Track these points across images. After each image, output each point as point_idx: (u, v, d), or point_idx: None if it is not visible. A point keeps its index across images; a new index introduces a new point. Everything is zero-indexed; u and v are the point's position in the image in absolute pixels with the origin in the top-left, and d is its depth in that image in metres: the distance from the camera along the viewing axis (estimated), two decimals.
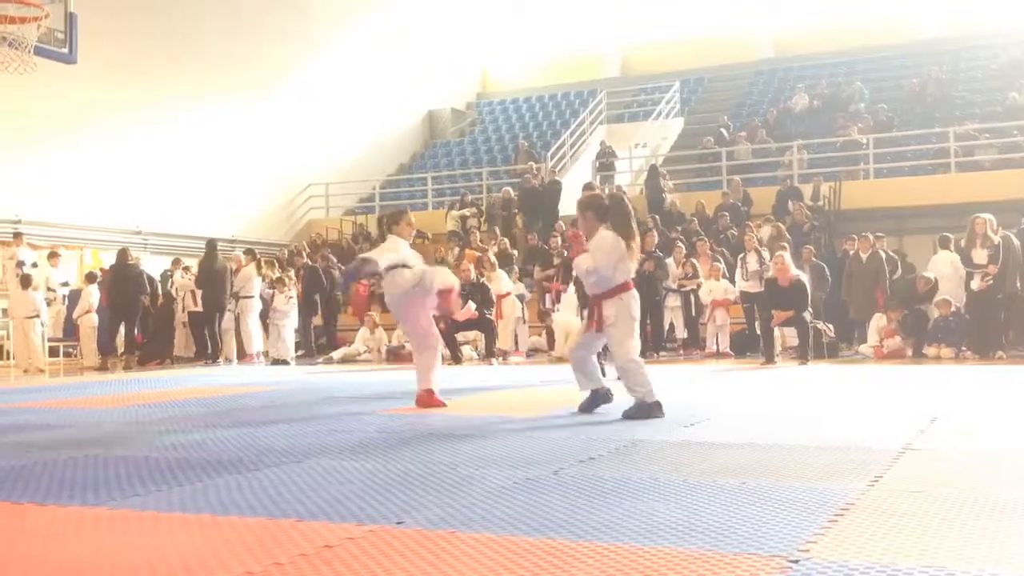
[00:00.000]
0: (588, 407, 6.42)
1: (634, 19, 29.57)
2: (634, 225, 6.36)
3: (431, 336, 6.99)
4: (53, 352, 15.78)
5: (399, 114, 27.60)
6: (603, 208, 6.33)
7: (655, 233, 15.35)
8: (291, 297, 15.55)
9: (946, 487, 3.61)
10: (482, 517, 3.22)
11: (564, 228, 17.03)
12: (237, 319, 15.60)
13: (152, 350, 16.09)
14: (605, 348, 6.76)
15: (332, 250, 20.50)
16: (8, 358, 14.84)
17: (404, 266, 6.88)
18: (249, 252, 16.44)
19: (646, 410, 6.04)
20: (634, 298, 6.25)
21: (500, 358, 14.14)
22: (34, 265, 16.00)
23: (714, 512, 3.22)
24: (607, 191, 20.57)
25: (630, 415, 6.02)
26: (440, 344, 7.23)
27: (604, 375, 6.66)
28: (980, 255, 12.37)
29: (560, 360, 13.51)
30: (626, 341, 6.16)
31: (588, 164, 23.72)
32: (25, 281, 14.80)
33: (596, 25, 29.77)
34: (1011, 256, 12.33)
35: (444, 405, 6.83)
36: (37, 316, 14.86)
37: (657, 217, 17.80)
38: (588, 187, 10.41)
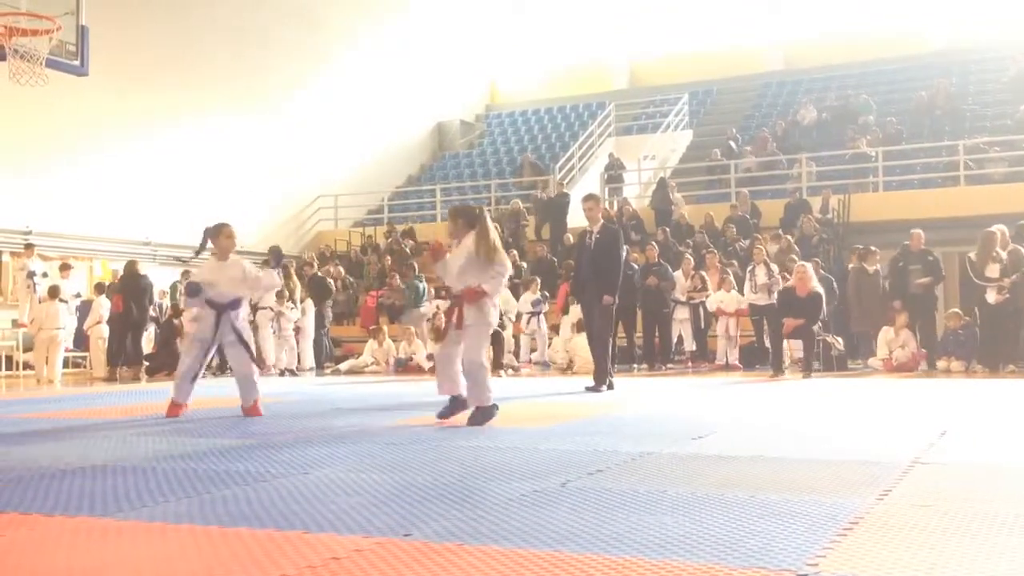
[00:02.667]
0: (447, 413, 6.71)
1: (643, 31, 29.61)
2: (491, 235, 6.72)
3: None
4: (63, 363, 15.81)
5: (408, 126, 27.68)
6: (472, 216, 6.79)
7: (655, 246, 15.37)
8: (293, 307, 15.58)
9: (956, 501, 3.59)
10: (489, 529, 3.22)
11: (572, 240, 17.08)
12: (255, 330, 15.63)
13: (160, 361, 16.11)
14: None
15: (340, 261, 20.56)
16: (17, 369, 14.86)
17: None
18: (265, 263, 16.48)
19: (487, 413, 6.49)
20: (493, 308, 6.69)
21: (509, 370, 14.14)
22: (44, 275, 16.05)
23: (723, 525, 3.21)
24: (614, 203, 20.66)
25: (475, 421, 6.44)
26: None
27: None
28: (993, 269, 12.35)
29: (571, 373, 13.51)
30: (472, 345, 6.56)
31: (596, 176, 23.75)
32: (53, 292, 14.75)
33: (605, 37, 29.83)
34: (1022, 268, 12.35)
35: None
36: (64, 328, 14.80)
37: (667, 229, 17.81)
38: (588, 198, 10.46)
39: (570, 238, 17.67)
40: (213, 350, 7.78)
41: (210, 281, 7.49)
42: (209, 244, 7.73)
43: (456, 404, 6.72)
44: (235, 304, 7.58)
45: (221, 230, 7.73)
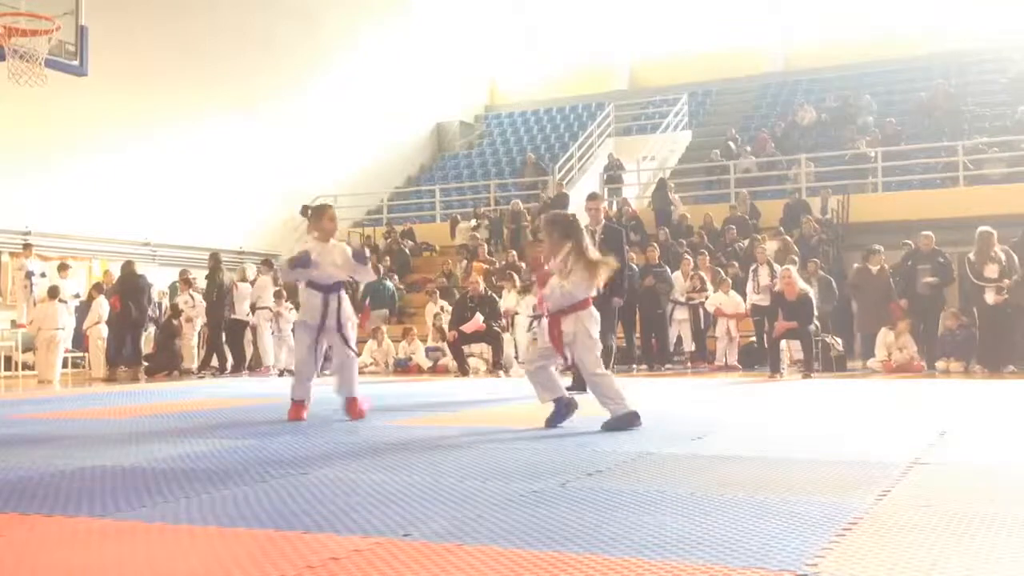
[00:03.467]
0: (554, 420, 6.28)
1: (642, 32, 29.63)
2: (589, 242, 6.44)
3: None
4: (63, 363, 15.81)
5: (407, 126, 27.68)
6: (569, 226, 6.35)
7: (656, 247, 15.37)
8: (292, 308, 15.58)
9: (955, 502, 3.59)
10: (489, 529, 3.22)
11: None
12: (253, 331, 15.65)
13: (160, 361, 16.13)
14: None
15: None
16: (16, 369, 14.87)
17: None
18: (266, 263, 16.49)
19: (625, 420, 6.06)
20: (591, 315, 6.30)
21: (507, 370, 14.14)
22: (42, 275, 16.05)
23: (722, 525, 3.21)
24: (614, 203, 20.67)
25: (610, 426, 6.05)
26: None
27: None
28: (992, 269, 12.36)
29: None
30: (588, 355, 6.22)
31: (596, 177, 23.76)
32: (52, 292, 14.77)
33: (604, 38, 29.83)
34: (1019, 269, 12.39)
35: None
36: (63, 328, 14.83)
37: (667, 230, 17.82)
38: (593, 197, 10.41)
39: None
40: (324, 339, 7.10)
41: (314, 262, 6.96)
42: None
43: (560, 407, 6.33)
44: (338, 287, 7.10)
45: (325, 211, 7.27)
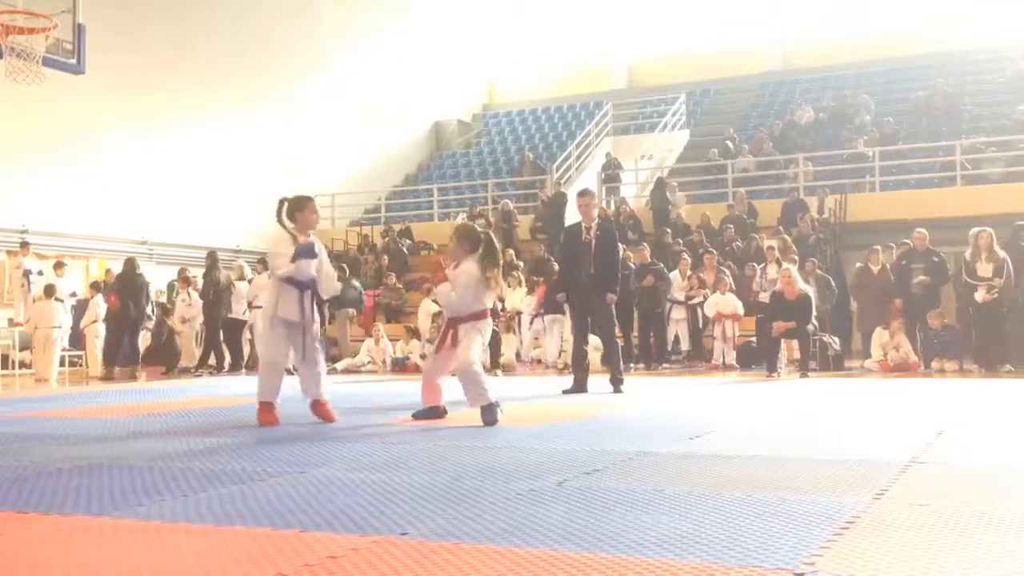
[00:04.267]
0: (423, 415, 6.80)
1: (640, 31, 29.63)
2: (498, 260, 6.83)
3: None
4: (60, 361, 15.79)
5: (405, 125, 27.67)
6: (476, 240, 6.79)
7: (646, 246, 15.36)
8: None
9: (952, 501, 3.60)
10: (486, 528, 3.22)
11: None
12: (251, 329, 15.64)
13: (157, 360, 16.11)
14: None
15: (337, 260, 20.54)
16: (13, 367, 14.85)
17: None
18: (263, 262, 16.47)
19: (492, 412, 6.52)
20: (488, 325, 6.89)
21: (504, 369, 14.13)
22: (40, 273, 16.03)
23: (719, 524, 3.21)
24: (612, 202, 20.67)
25: (487, 421, 6.47)
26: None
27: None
28: (985, 268, 12.37)
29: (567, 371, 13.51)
30: (468, 352, 6.65)
31: (594, 176, 23.76)
32: (48, 291, 14.77)
33: (602, 37, 29.84)
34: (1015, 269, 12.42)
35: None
36: (60, 327, 14.82)
37: (669, 230, 17.82)
38: (585, 193, 10.37)
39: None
40: (299, 337, 6.81)
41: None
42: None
43: (433, 412, 6.84)
44: (313, 285, 6.85)
45: (307, 204, 6.94)
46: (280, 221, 6.90)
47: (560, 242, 10.79)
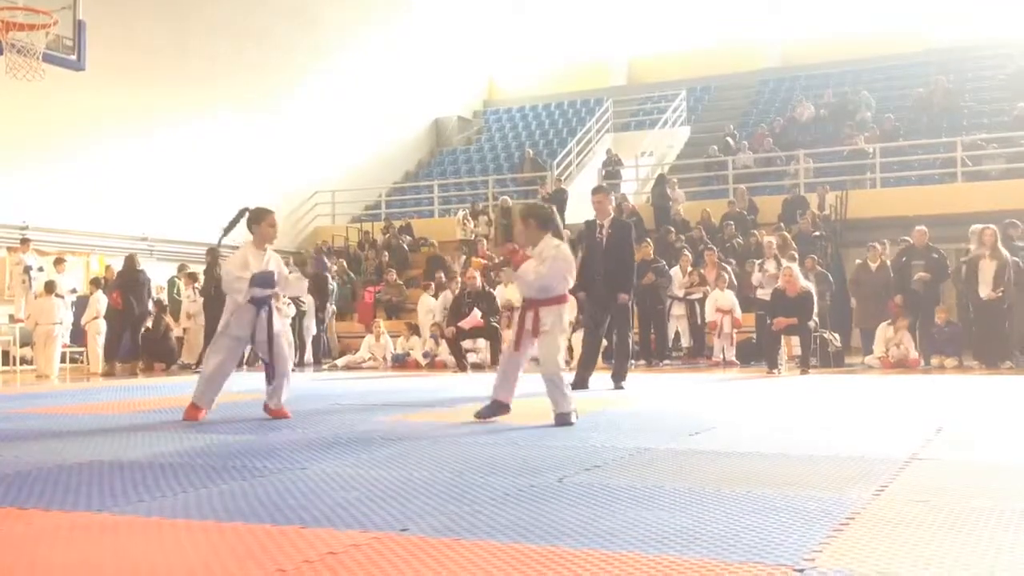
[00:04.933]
0: (486, 414, 6.38)
1: (641, 28, 29.60)
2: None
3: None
4: (61, 358, 15.79)
5: (405, 122, 27.64)
6: (548, 217, 6.46)
7: (650, 243, 15.33)
8: (290, 303, 15.54)
9: (952, 497, 3.60)
10: (486, 524, 3.22)
11: (571, 235, 17.05)
12: None
13: (158, 356, 16.10)
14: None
15: (338, 257, 20.53)
16: (14, 363, 14.85)
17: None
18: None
19: (567, 419, 6.17)
20: (569, 308, 6.45)
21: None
22: (40, 270, 16.03)
23: (719, 521, 3.21)
24: (612, 199, 20.63)
25: (560, 424, 6.12)
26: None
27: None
28: (989, 266, 12.38)
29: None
30: (557, 353, 6.27)
31: (594, 172, 23.74)
32: (49, 287, 14.76)
33: (603, 34, 29.80)
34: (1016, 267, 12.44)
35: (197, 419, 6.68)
36: (60, 323, 14.82)
37: (672, 228, 17.80)
38: (598, 190, 10.29)
39: (568, 233, 17.66)
40: (247, 348, 6.94)
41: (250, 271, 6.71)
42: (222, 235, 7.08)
43: (498, 408, 6.44)
44: (269, 300, 6.89)
45: (265, 216, 6.82)
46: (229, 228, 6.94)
47: (575, 239, 10.68)
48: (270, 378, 6.89)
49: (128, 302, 14.92)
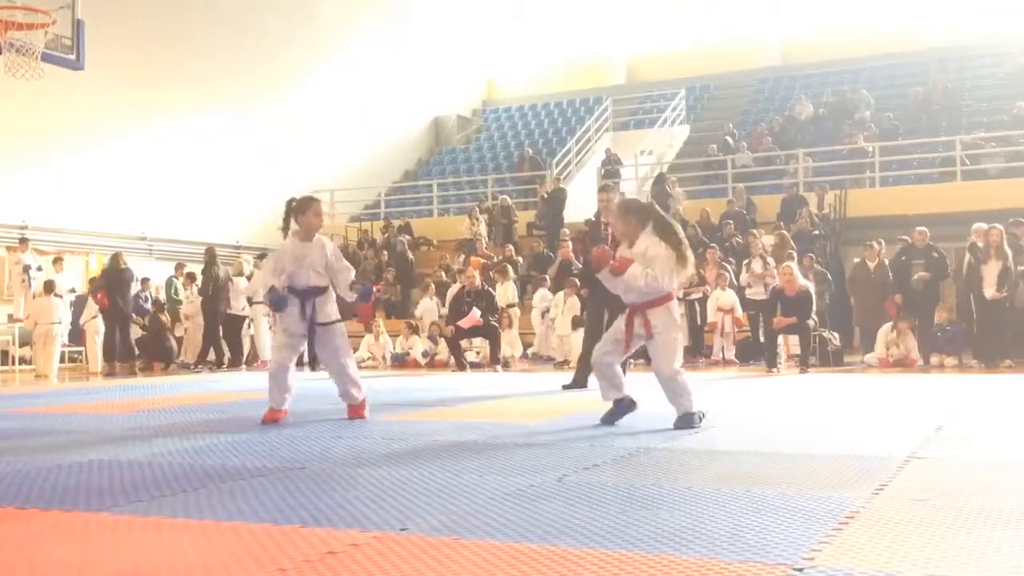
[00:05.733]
0: (611, 418, 6.15)
1: (640, 27, 29.59)
2: (677, 232, 5.97)
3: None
4: (60, 358, 15.78)
5: (404, 121, 27.64)
6: (646, 212, 6.01)
7: None
8: None
9: (951, 496, 3.60)
10: (485, 523, 3.22)
11: (571, 234, 17.05)
12: (250, 325, 15.65)
13: (157, 356, 16.10)
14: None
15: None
16: (13, 363, 14.84)
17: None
18: (262, 258, 16.47)
19: (690, 420, 5.92)
20: (677, 307, 6.06)
21: (503, 364, 14.13)
22: (39, 269, 16.03)
23: (718, 520, 3.21)
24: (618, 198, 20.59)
25: (679, 426, 5.89)
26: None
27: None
28: (993, 265, 12.39)
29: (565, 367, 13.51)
30: (673, 354, 5.96)
31: (593, 171, 23.74)
32: (48, 287, 14.75)
33: (602, 32, 29.79)
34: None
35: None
36: (59, 322, 14.81)
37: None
38: (605, 188, 10.28)
39: (567, 232, 17.66)
40: (304, 344, 6.72)
41: (291, 271, 6.49)
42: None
43: (622, 407, 6.18)
44: (318, 292, 6.56)
45: (309, 206, 6.58)
46: (286, 224, 6.65)
47: (581, 237, 10.65)
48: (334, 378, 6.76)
49: (114, 301, 14.88)
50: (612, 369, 6.12)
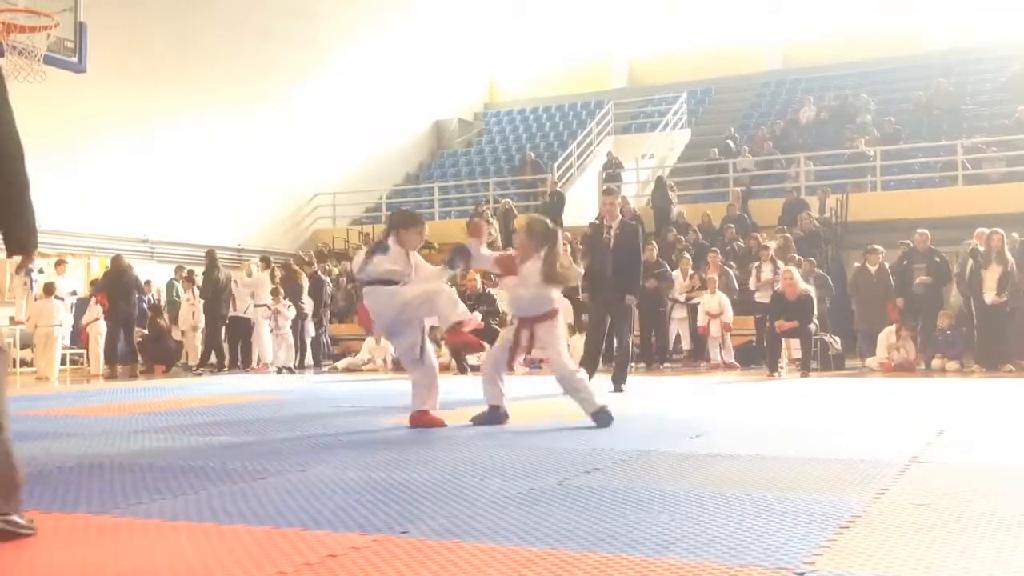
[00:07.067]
0: (482, 420, 6.36)
1: (641, 30, 29.62)
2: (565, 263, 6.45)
3: (426, 353, 6.54)
4: (62, 360, 15.80)
5: (406, 124, 27.66)
6: (544, 238, 6.34)
7: (655, 246, 15.32)
8: (290, 306, 15.56)
9: (952, 500, 3.60)
10: (486, 527, 3.22)
11: (571, 238, 17.07)
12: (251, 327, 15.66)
13: (158, 358, 16.11)
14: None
15: (338, 259, 20.52)
16: (14, 366, 14.85)
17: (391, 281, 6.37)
18: (264, 260, 16.50)
19: (605, 414, 6.21)
20: (562, 320, 6.48)
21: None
22: (40, 271, 16.04)
23: (719, 524, 3.21)
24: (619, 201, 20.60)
25: (599, 424, 6.16)
26: (435, 360, 6.71)
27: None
28: (994, 270, 12.39)
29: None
30: (563, 357, 6.35)
31: (595, 175, 23.75)
32: (48, 289, 14.76)
33: (603, 36, 29.82)
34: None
35: (443, 424, 6.36)
36: (60, 325, 14.82)
37: (675, 230, 17.79)
38: (608, 191, 10.33)
39: (567, 235, 17.66)
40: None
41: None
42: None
43: (495, 415, 6.41)
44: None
45: (413, 224, 6.47)
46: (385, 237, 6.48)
47: (583, 240, 10.72)
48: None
49: (116, 304, 14.87)
50: (495, 377, 6.49)
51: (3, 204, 3.44)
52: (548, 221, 6.64)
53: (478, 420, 6.42)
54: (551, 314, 6.34)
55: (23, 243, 3.43)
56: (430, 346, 6.69)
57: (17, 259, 3.50)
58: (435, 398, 6.47)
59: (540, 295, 6.28)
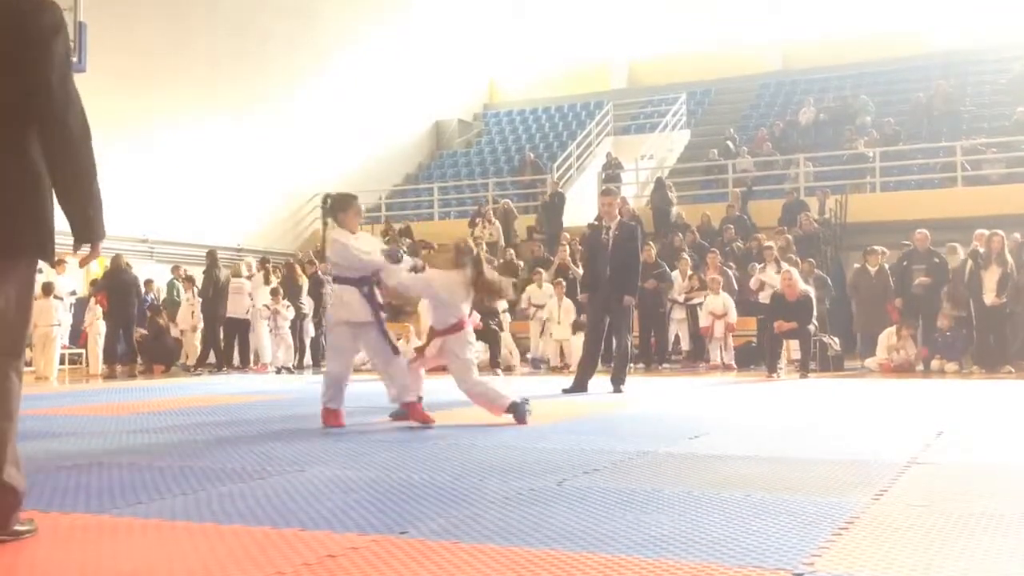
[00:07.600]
0: (399, 416, 6.69)
1: (641, 31, 29.62)
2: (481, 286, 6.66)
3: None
4: (61, 360, 15.78)
5: (406, 125, 27.65)
6: (466, 262, 6.56)
7: (652, 246, 15.30)
8: (289, 306, 15.55)
9: (951, 501, 3.60)
10: (485, 527, 3.22)
11: (571, 239, 17.08)
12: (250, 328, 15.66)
13: (157, 358, 16.10)
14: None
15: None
16: None
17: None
18: (262, 261, 16.51)
19: (520, 411, 6.43)
20: (468, 334, 6.64)
21: (505, 369, 14.12)
22: (39, 272, 16.02)
23: (718, 525, 3.21)
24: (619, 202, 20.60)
25: (518, 420, 6.40)
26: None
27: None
28: (993, 272, 12.38)
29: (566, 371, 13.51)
30: (469, 372, 6.55)
31: (594, 176, 23.75)
32: (47, 289, 14.76)
33: (603, 37, 29.83)
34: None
35: (432, 421, 6.49)
36: (59, 324, 14.80)
37: (679, 233, 17.79)
38: (607, 192, 10.34)
39: (567, 236, 17.68)
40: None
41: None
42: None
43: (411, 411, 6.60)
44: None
45: (351, 204, 6.88)
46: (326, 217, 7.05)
47: (582, 241, 10.74)
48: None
49: (116, 304, 14.85)
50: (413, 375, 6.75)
51: (73, 190, 3.23)
52: (474, 251, 6.82)
53: (396, 415, 6.74)
54: (456, 327, 6.56)
55: (94, 231, 3.26)
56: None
57: (84, 251, 3.38)
58: (419, 385, 6.79)
59: (449, 311, 6.55)
